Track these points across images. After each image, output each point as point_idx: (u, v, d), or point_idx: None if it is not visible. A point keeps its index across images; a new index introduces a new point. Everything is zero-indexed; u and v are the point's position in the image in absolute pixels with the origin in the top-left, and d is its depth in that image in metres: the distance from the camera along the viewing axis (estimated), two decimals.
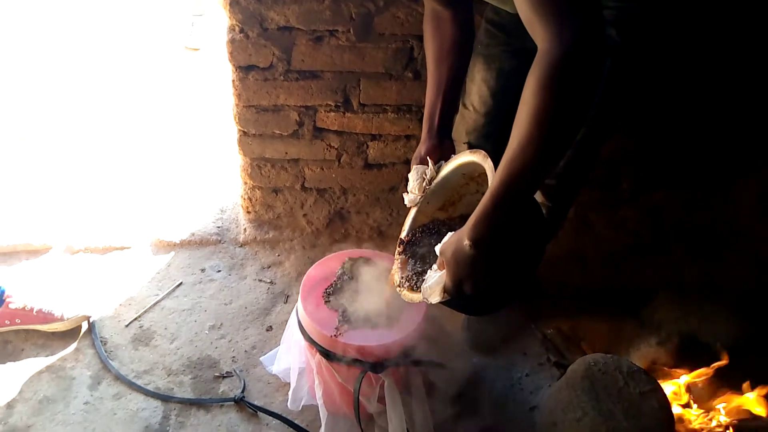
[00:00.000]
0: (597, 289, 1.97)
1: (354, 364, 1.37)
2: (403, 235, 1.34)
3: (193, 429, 1.53)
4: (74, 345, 1.70)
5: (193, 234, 2.11)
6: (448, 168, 1.28)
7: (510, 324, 1.83)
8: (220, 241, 2.11)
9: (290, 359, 1.56)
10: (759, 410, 1.48)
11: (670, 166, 2.18)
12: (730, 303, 1.84)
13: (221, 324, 1.81)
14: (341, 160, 2.05)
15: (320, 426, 1.47)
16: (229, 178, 2.30)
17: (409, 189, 1.33)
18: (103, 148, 2.51)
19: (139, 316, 1.81)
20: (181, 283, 1.94)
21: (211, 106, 2.82)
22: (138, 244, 2.06)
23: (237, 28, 1.76)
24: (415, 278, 1.25)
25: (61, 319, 1.70)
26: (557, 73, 0.85)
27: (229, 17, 1.75)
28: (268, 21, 1.75)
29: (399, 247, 1.33)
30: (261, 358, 1.70)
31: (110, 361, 1.66)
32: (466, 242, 1.00)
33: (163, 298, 1.88)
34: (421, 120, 1.54)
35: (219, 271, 2.00)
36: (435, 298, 1.09)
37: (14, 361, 1.65)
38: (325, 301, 1.46)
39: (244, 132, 1.97)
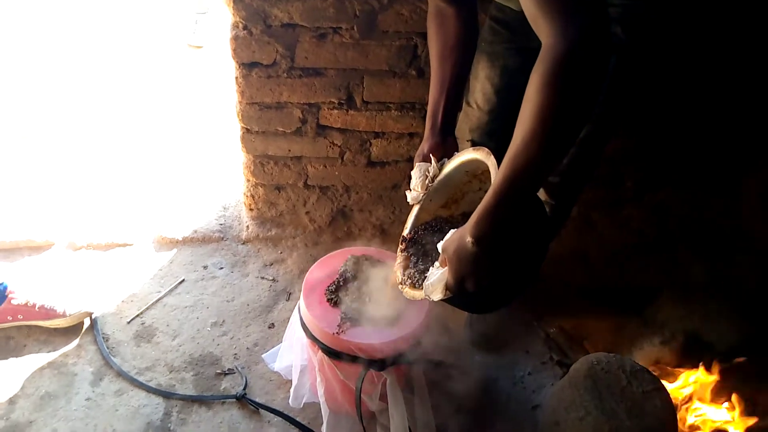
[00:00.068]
0: (600, 288, 1.97)
1: (356, 362, 1.36)
2: (405, 232, 1.34)
3: (194, 426, 1.53)
4: (76, 341, 1.71)
5: (195, 231, 2.11)
6: (451, 165, 1.27)
7: (513, 322, 1.83)
8: (222, 238, 2.11)
9: (292, 356, 1.56)
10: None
11: (674, 164, 2.16)
12: (735, 302, 1.83)
13: (223, 321, 1.82)
14: (344, 158, 2.05)
15: (322, 423, 1.47)
16: (232, 175, 2.30)
17: (411, 186, 1.33)
18: (105, 145, 2.51)
19: (141, 313, 1.81)
20: (183, 280, 1.94)
21: (214, 104, 2.82)
22: (140, 241, 2.06)
23: (240, 25, 1.76)
24: (417, 276, 1.24)
25: (64, 316, 1.71)
26: (561, 70, 0.85)
27: (233, 14, 1.75)
28: (272, 18, 1.75)
29: (401, 244, 1.33)
30: (263, 356, 1.70)
31: (112, 358, 1.66)
32: (469, 239, 1.00)
33: (165, 295, 1.88)
34: (424, 118, 1.53)
35: (221, 268, 2.00)
36: (437, 296, 1.09)
37: (16, 356, 1.66)
38: (328, 299, 1.45)
39: (247, 129, 1.96)
